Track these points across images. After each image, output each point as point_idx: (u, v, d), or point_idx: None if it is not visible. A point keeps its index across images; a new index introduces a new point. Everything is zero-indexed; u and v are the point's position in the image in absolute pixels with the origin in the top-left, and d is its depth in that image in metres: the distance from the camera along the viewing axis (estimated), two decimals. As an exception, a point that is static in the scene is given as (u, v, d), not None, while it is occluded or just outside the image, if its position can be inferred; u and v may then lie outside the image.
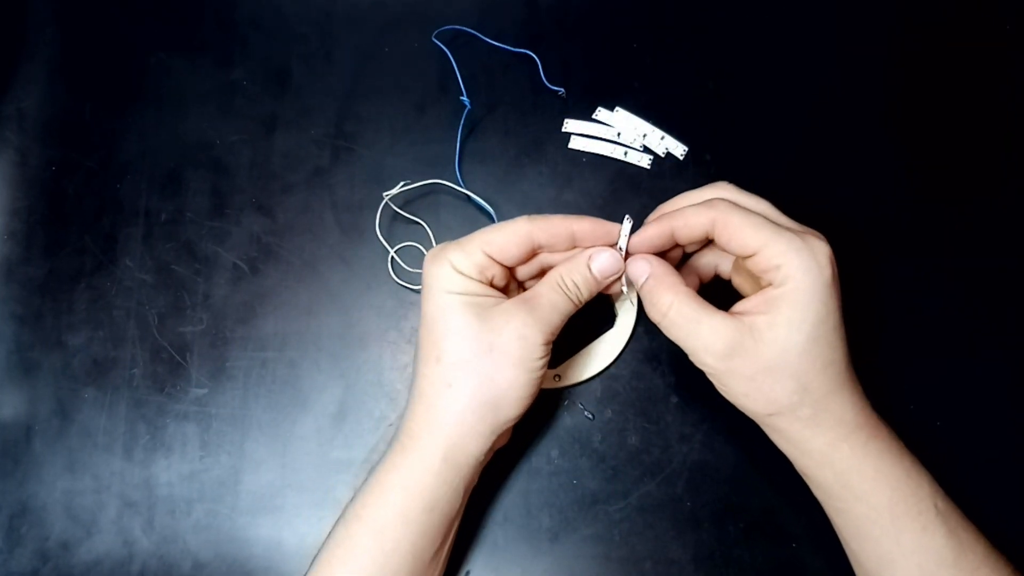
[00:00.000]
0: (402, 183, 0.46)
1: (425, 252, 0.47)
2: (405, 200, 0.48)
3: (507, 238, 0.38)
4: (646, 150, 0.49)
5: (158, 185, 0.49)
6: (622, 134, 0.49)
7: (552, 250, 0.39)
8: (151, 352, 0.46)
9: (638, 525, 0.43)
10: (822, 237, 0.36)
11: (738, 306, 0.37)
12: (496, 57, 0.50)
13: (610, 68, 0.50)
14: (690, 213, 0.37)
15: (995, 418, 0.44)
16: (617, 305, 0.45)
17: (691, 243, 0.39)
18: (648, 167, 0.48)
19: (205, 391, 0.46)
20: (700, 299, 0.36)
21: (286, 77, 0.50)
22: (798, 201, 0.47)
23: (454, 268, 0.37)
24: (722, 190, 0.38)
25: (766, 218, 0.36)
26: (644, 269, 0.38)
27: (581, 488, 0.44)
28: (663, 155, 0.48)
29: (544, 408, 0.44)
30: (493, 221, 0.46)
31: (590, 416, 0.45)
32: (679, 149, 0.48)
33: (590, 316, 0.43)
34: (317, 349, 0.46)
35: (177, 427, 0.45)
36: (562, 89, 0.49)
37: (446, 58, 0.47)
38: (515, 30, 0.50)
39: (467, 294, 0.37)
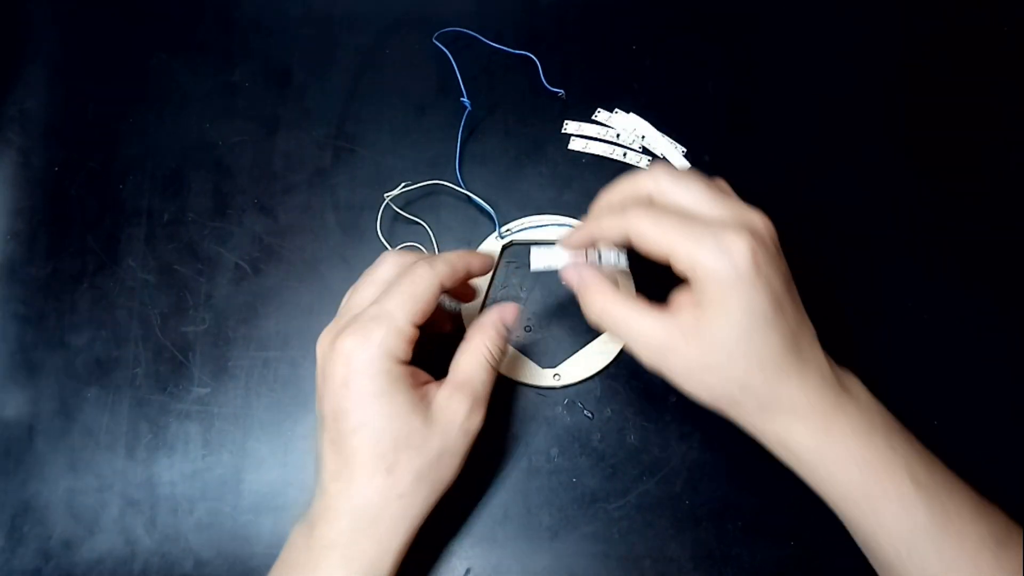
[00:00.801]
0: (403, 184, 0.46)
1: (426, 253, 0.47)
2: (406, 201, 0.48)
3: (427, 297, 0.36)
4: (645, 151, 0.49)
5: (160, 185, 0.49)
6: (621, 135, 0.49)
7: (453, 287, 0.39)
8: (154, 352, 0.46)
9: (637, 523, 0.43)
10: (750, 224, 0.34)
11: (674, 297, 0.36)
12: (496, 58, 0.50)
13: (610, 69, 0.50)
14: (606, 224, 0.36)
15: (995, 418, 0.44)
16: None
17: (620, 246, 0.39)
18: (647, 168, 0.48)
19: (207, 390, 0.46)
20: (631, 301, 0.36)
21: (287, 78, 0.51)
22: (797, 200, 0.47)
23: (395, 359, 0.35)
24: (654, 176, 0.37)
25: (683, 214, 0.35)
26: (573, 278, 0.38)
27: (581, 486, 0.44)
28: (662, 156, 0.49)
29: (544, 408, 0.45)
30: (493, 221, 0.47)
31: (589, 415, 0.45)
32: (678, 150, 0.49)
33: (590, 316, 0.43)
34: (318, 349, 0.46)
35: (179, 426, 0.45)
36: (562, 90, 0.49)
37: (446, 59, 0.47)
38: (515, 31, 0.51)
39: (407, 389, 0.35)
